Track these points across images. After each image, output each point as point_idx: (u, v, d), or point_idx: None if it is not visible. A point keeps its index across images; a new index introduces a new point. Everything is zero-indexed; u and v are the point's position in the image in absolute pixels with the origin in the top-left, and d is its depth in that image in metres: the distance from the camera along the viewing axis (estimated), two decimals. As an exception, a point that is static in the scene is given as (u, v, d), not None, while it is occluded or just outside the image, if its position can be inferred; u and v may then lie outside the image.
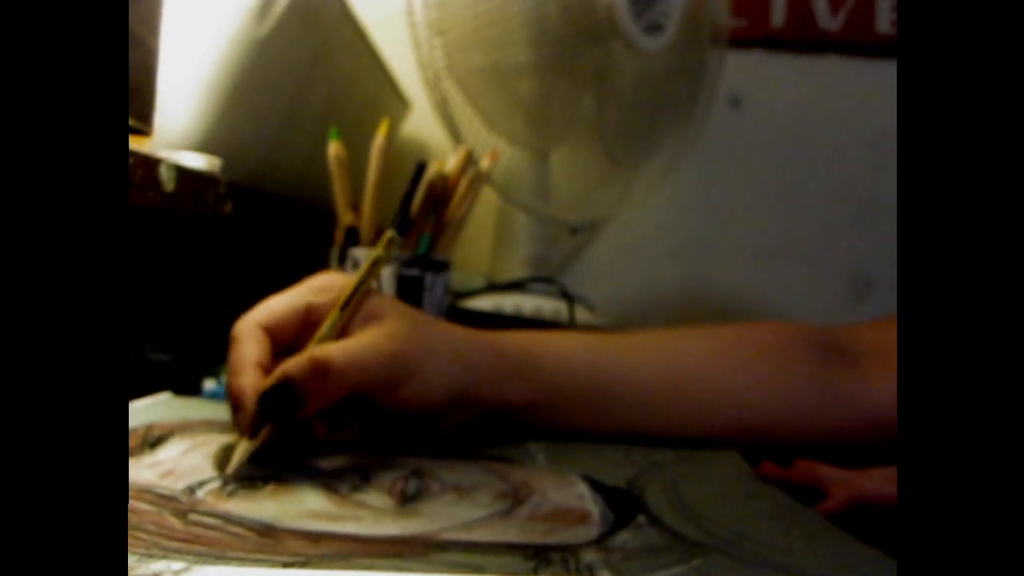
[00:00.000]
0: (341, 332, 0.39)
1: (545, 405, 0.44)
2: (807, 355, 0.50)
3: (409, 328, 0.40)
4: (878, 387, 0.48)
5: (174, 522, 0.28)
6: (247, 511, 0.29)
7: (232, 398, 0.36)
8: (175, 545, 0.25)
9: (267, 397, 0.35)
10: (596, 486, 0.36)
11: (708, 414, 0.47)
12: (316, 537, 0.27)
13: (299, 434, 0.38)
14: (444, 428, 0.42)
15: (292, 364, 0.35)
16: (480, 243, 1.00)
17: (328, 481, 0.34)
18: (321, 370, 0.35)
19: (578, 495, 0.34)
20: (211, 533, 0.27)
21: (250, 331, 0.38)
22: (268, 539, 0.27)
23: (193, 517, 0.28)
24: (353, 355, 0.37)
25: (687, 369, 0.48)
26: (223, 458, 0.36)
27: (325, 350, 0.36)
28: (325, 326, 0.39)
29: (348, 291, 0.40)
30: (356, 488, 0.33)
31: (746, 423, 0.47)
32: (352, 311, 0.39)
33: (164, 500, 0.30)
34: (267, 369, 0.37)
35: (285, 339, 0.39)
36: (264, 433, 0.35)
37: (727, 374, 0.48)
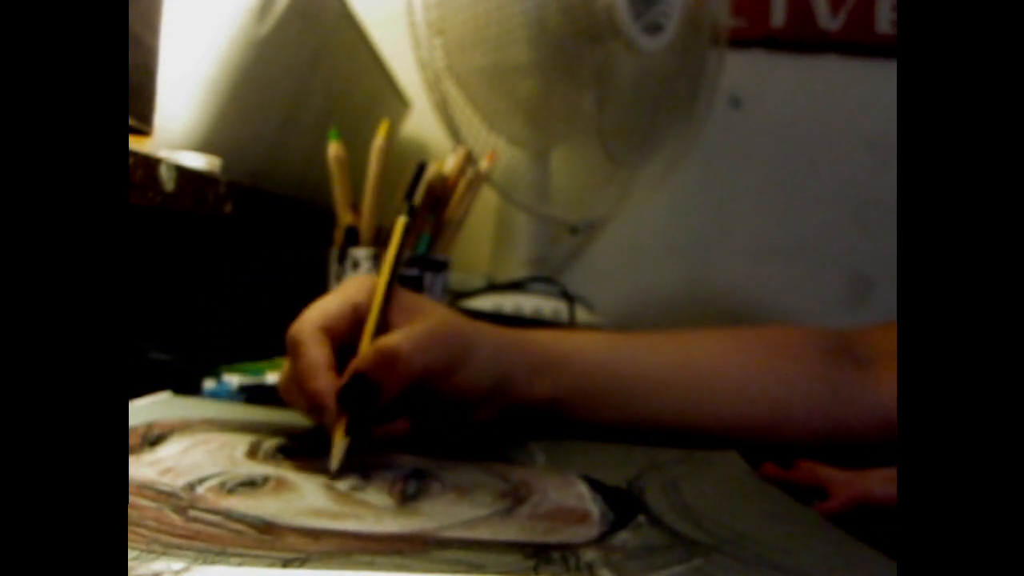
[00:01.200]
0: (384, 322, 0.41)
1: (569, 399, 0.45)
2: (819, 355, 0.51)
3: (455, 317, 0.42)
4: (888, 389, 0.48)
5: (174, 518, 0.28)
6: (247, 508, 0.29)
7: (311, 402, 0.37)
8: (175, 541, 0.25)
9: (345, 394, 0.37)
10: (596, 486, 0.36)
11: (721, 406, 0.48)
12: (316, 534, 0.27)
13: (368, 426, 0.39)
14: (477, 420, 0.43)
15: (361, 360, 0.38)
16: (480, 243, 1.00)
17: (328, 479, 0.34)
18: (389, 358, 0.37)
19: (578, 495, 0.34)
20: (211, 529, 0.27)
21: (311, 335, 0.39)
22: (268, 535, 0.27)
23: (193, 513, 0.28)
24: (417, 341, 0.39)
25: (702, 362, 0.49)
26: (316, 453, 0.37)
27: (389, 340, 0.38)
28: (371, 320, 0.41)
29: (383, 283, 0.42)
30: (356, 487, 0.33)
31: (759, 417, 0.48)
32: (388, 301, 0.42)
33: (164, 496, 0.30)
34: (334, 370, 0.38)
35: (340, 337, 0.41)
36: (345, 426, 0.37)
37: (741, 367, 0.49)
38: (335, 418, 0.37)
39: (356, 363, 0.37)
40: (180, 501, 0.30)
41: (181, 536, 0.26)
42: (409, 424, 0.41)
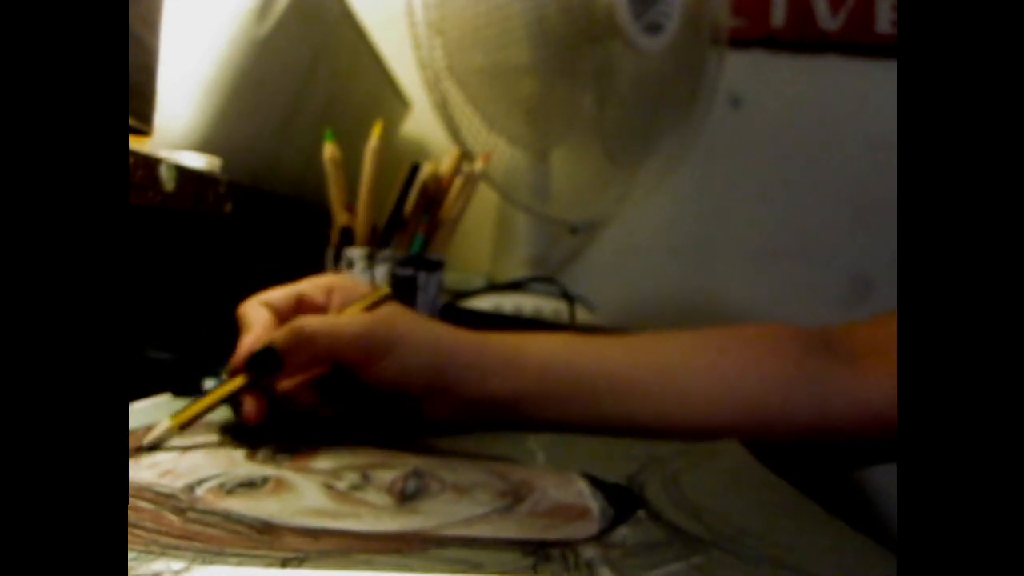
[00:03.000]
0: None
1: (530, 400, 0.45)
2: (799, 351, 0.50)
3: (389, 313, 0.44)
4: (873, 383, 0.47)
5: (172, 519, 0.28)
6: (246, 509, 0.29)
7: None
8: (173, 542, 0.25)
9: (252, 359, 0.41)
10: (596, 483, 0.36)
11: (695, 406, 0.47)
12: (315, 534, 0.27)
13: (281, 405, 0.43)
14: (431, 416, 0.44)
15: (277, 332, 0.42)
16: (480, 243, 1.00)
17: (328, 479, 0.34)
18: (297, 334, 0.41)
19: (578, 492, 0.34)
20: (209, 530, 0.27)
21: (252, 305, 0.45)
22: (266, 536, 0.27)
23: (192, 515, 0.28)
24: (327, 324, 0.42)
25: (671, 359, 0.48)
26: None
27: (303, 319, 0.42)
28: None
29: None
30: (355, 487, 0.33)
31: (735, 416, 0.47)
32: None
33: (163, 498, 0.30)
34: (272, 327, 0.43)
35: (281, 318, 0.44)
36: (223, 391, 0.41)
37: (711, 363, 0.48)
38: (234, 366, 0.41)
39: (271, 335, 0.41)
40: (179, 502, 0.30)
41: (179, 537, 0.26)
42: (342, 408, 0.44)
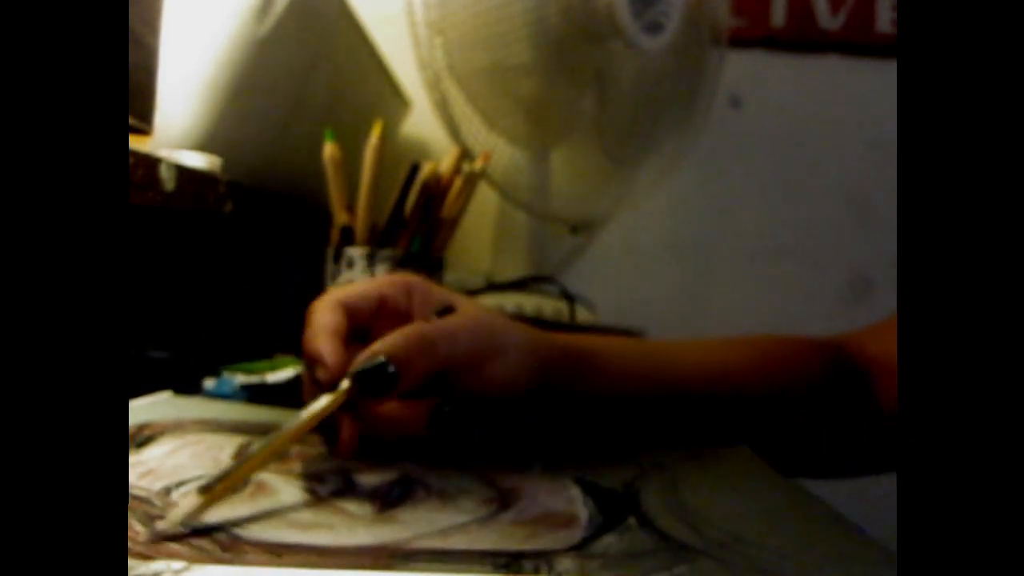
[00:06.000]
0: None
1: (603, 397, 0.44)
2: (816, 360, 0.51)
3: (490, 313, 0.41)
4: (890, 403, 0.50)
5: (139, 530, 0.27)
6: (218, 516, 0.29)
7: (309, 359, 0.37)
8: (131, 561, 0.24)
9: (363, 376, 0.35)
10: (590, 489, 0.35)
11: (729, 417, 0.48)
12: (279, 550, 0.26)
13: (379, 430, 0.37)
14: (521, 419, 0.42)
15: (382, 343, 0.36)
16: (480, 243, 1.00)
17: (310, 484, 0.33)
18: (414, 341, 0.36)
19: (568, 499, 0.33)
20: (172, 545, 0.26)
21: (327, 303, 0.39)
22: (229, 553, 0.26)
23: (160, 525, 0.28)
24: (444, 328, 0.38)
25: (728, 377, 0.49)
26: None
27: (415, 325, 0.38)
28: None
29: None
30: (337, 492, 0.32)
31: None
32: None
33: (137, 503, 0.29)
34: (343, 338, 0.38)
35: (359, 320, 0.40)
36: (317, 415, 0.34)
37: (762, 384, 0.49)
38: (329, 377, 0.36)
39: (377, 345, 0.36)
40: (152, 508, 0.29)
41: (139, 555, 0.25)
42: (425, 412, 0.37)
